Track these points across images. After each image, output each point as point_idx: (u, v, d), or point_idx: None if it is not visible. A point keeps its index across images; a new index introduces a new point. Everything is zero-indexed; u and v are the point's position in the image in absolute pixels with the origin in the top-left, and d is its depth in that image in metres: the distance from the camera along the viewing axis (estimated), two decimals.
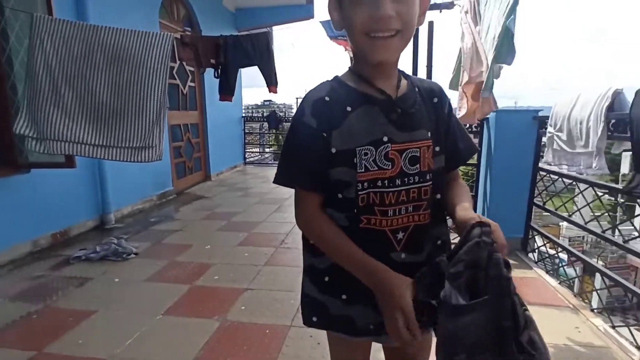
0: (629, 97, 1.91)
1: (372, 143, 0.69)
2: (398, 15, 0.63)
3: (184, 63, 4.96)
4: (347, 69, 0.78)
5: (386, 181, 0.70)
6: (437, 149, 0.75)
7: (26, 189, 2.83)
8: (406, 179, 0.71)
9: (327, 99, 0.72)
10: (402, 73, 0.77)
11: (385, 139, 0.69)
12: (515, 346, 0.53)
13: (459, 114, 2.80)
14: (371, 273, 0.68)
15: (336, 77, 0.77)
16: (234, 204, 4.56)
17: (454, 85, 2.85)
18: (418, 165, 0.72)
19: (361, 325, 0.75)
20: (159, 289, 2.34)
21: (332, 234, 0.72)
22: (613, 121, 2.03)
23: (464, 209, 0.70)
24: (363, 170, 0.69)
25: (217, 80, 3.36)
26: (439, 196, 0.76)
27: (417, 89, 0.76)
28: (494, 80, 2.38)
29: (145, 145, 2.39)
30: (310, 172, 0.71)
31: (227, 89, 3.31)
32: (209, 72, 3.34)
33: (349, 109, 0.71)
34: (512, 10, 2.08)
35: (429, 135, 0.73)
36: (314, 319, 0.80)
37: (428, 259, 0.73)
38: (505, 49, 2.17)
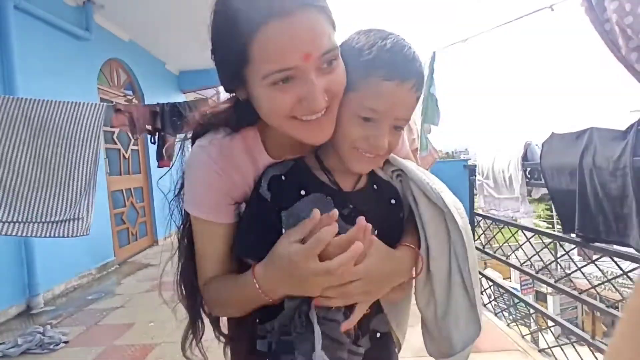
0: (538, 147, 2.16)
1: None
2: (389, 144, 0.68)
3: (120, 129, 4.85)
4: (314, 151, 0.75)
5: None
6: None
7: None
8: None
9: (283, 177, 0.71)
10: None
11: None
12: None
13: None
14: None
15: (302, 157, 0.75)
16: None
17: None
18: None
19: None
20: None
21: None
22: (529, 169, 2.25)
23: None
24: None
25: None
26: None
27: (375, 186, 0.76)
28: (427, 136, 2.57)
29: (70, 217, 2.20)
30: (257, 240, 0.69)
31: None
32: None
33: (302, 192, 0.70)
34: (431, 79, 2.33)
35: (376, 233, 0.68)
36: None
37: (367, 353, 0.71)
38: (432, 112, 2.39)
